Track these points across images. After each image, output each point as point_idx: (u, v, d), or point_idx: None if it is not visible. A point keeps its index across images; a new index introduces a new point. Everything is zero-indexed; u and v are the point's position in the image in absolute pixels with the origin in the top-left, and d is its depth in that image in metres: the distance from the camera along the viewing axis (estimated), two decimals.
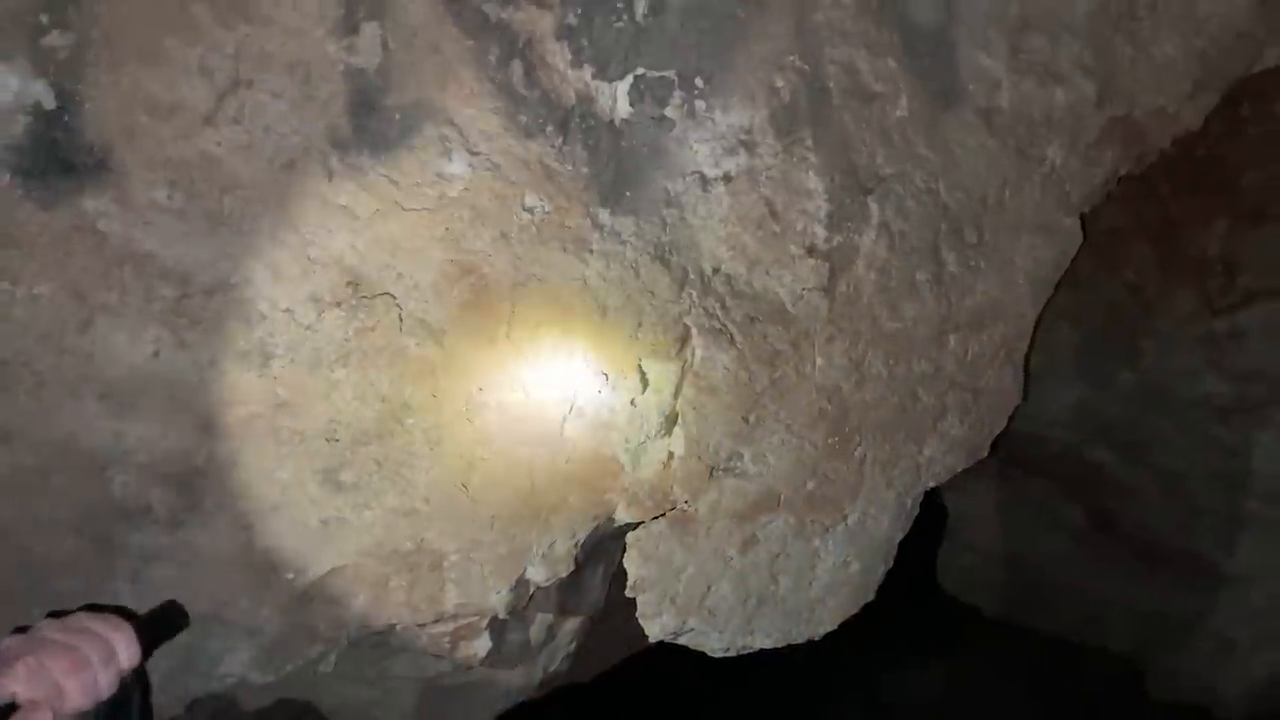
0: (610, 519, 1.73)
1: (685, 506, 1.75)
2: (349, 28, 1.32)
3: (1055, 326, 2.30)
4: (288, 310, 1.40)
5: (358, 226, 1.41)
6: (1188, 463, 3.22)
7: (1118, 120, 1.81)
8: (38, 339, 1.32)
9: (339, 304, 1.44)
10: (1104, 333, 3.04)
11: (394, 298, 1.46)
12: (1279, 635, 3.22)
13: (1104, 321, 3.00)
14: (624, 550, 1.80)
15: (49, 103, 1.22)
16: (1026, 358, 1.95)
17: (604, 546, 1.89)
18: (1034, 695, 3.80)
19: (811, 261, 1.63)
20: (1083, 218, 1.88)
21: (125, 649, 1.04)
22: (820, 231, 1.61)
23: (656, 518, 1.76)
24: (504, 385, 1.56)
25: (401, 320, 1.48)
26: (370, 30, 1.33)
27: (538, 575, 1.69)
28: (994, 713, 3.72)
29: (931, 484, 1.95)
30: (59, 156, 1.25)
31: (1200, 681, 3.42)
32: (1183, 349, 2.89)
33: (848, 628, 2.02)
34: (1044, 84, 1.72)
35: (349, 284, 1.44)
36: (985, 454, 1.99)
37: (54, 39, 1.20)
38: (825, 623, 1.98)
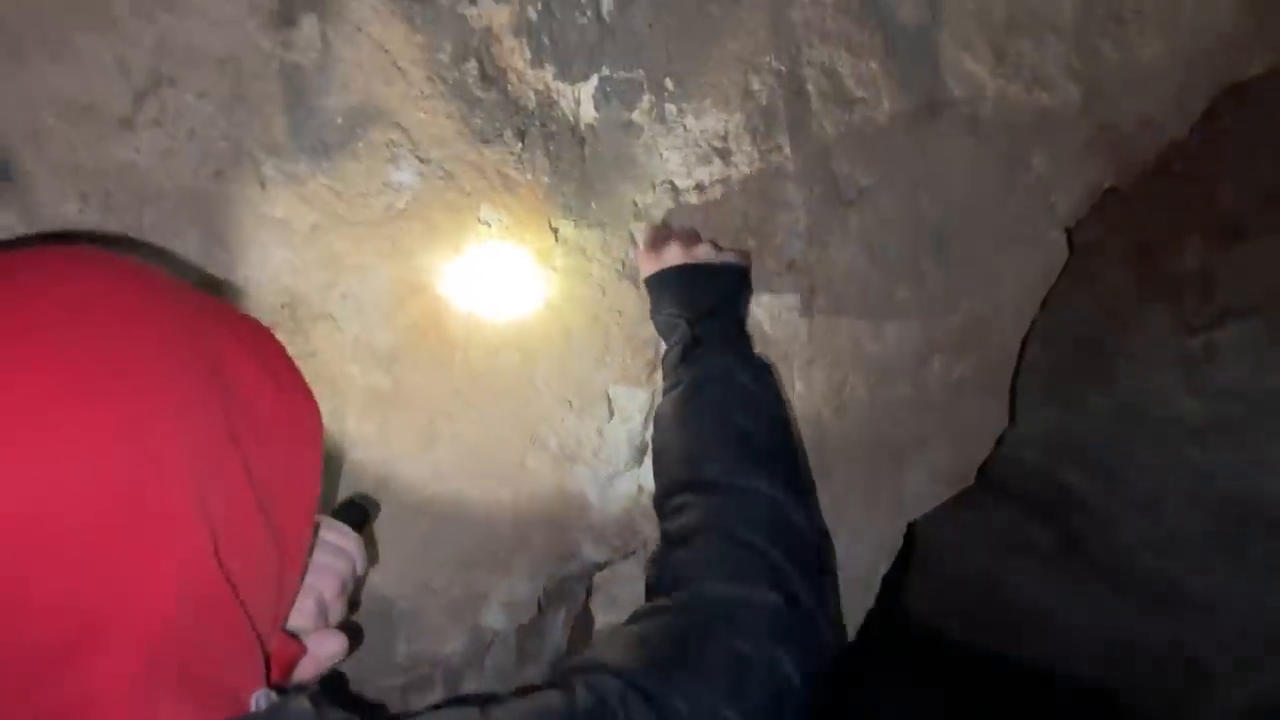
0: (575, 558, 1.60)
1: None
2: (285, 20, 1.18)
3: (1026, 345, 2.22)
4: None
5: (295, 242, 1.27)
6: (1161, 485, 3.15)
7: (1104, 127, 1.73)
8: None
9: (274, 327, 1.29)
10: (1076, 352, 2.96)
11: (336, 321, 1.33)
12: (1257, 662, 3.15)
13: (1076, 340, 2.92)
14: (589, 592, 1.67)
15: None
16: (1012, 380, 1.86)
17: (567, 588, 1.76)
18: None
19: (790, 278, 1.52)
20: (1068, 231, 1.79)
21: (360, 557, 1.02)
22: (799, 246, 1.50)
23: (625, 556, 1.63)
24: (459, 415, 1.43)
25: (345, 346, 1.34)
26: (309, 23, 1.19)
27: (496, 621, 1.55)
28: None
29: (914, 516, 1.84)
30: None
31: (1176, 711, 3.34)
32: (1158, 369, 2.82)
33: None
34: (1030, 89, 1.63)
35: (285, 306, 1.30)
36: (970, 483, 1.88)
37: None
38: None
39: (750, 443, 1.20)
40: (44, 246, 0.82)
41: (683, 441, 1.24)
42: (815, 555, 1.12)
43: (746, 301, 1.43)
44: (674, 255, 1.35)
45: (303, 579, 0.91)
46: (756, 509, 1.11)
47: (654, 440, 1.33)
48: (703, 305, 1.33)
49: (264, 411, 0.84)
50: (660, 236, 1.39)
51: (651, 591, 1.12)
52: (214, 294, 1.23)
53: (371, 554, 1.32)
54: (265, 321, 1.27)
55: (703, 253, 1.35)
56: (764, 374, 1.31)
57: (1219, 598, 3.17)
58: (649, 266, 1.38)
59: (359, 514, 1.21)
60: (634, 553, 1.62)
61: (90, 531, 0.65)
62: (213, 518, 0.73)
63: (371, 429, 1.39)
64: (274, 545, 0.82)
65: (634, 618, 1.04)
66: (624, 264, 1.43)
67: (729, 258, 1.38)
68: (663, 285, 1.35)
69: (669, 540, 1.15)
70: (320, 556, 0.96)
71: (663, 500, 1.23)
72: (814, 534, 1.14)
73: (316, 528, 0.97)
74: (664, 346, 1.44)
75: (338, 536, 1.01)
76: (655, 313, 1.40)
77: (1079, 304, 2.67)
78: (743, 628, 0.98)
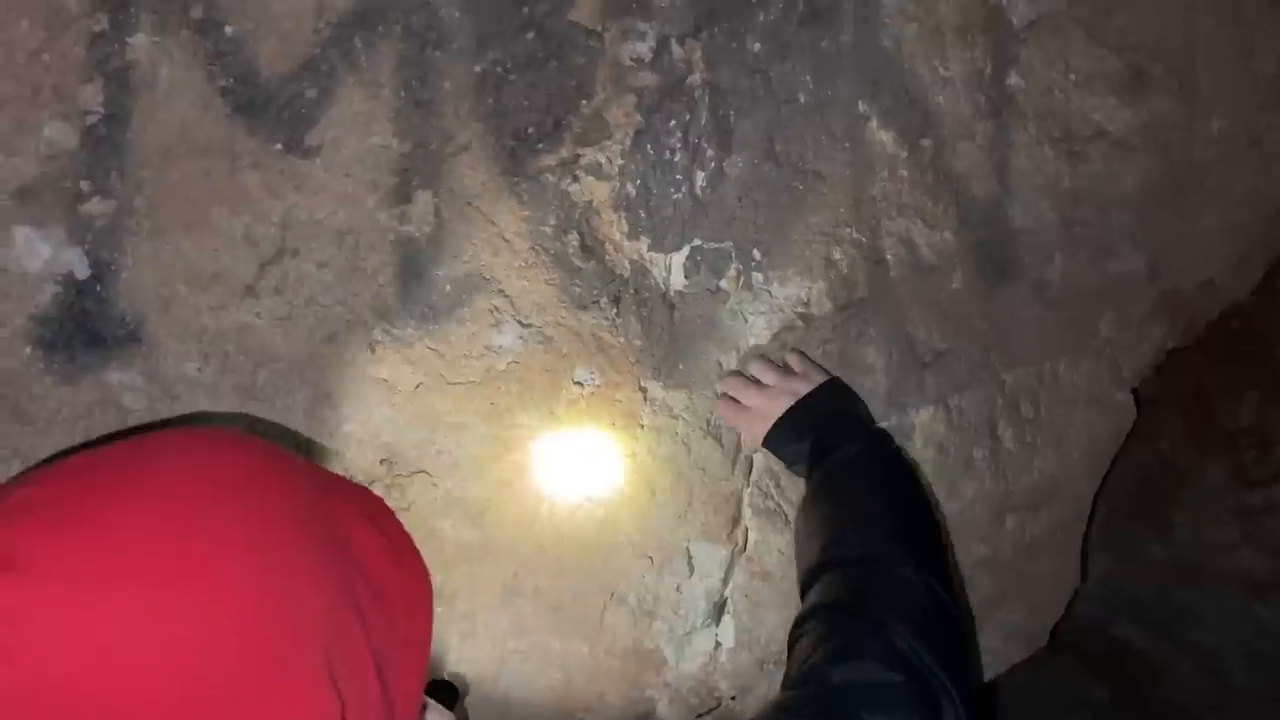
0: (650, 717, 1.59)
1: (732, 703, 1.60)
2: (402, 196, 1.26)
3: (1096, 504, 2.22)
4: None
5: (398, 401, 1.32)
6: (1221, 640, 3.07)
7: (1167, 293, 1.78)
8: None
9: (372, 483, 1.33)
10: (1132, 503, 2.94)
11: (431, 476, 1.36)
12: None
13: (1132, 492, 2.90)
14: None
15: (82, 272, 1.14)
16: (1083, 539, 1.86)
17: None
18: None
19: None
20: (1134, 392, 1.82)
21: None
22: (879, 409, 1.53)
23: (700, 716, 1.61)
24: (542, 570, 1.45)
25: (438, 500, 1.37)
26: (423, 199, 1.27)
27: None
28: None
29: (989, 677, 1.81)
30: (87, 328, 1.16)
31: None
32: (1216, 522, 2.79)
33: None
34: (1095, 257, 1.68)
35: (384, 461, 1.34)
36: (1043, 644, 1.86)
37: (94, 206, 1.13)
38: None
39: (890, 521, 1.21)
40: (184, 429, 0.86)
41: (823, 528, 1.25)
42: (957, 634, 1.11)
43: (860, 402, 1.46)
44: (763, 399, 1.38)
45: None
46: (899, 591, 1.11)
47: (795, 528, 1.35)
48: (825, 421, 1.35)
49: (385, 585, 0.86)
50: (743, 384, 1.42)
51: (791, 651, 1.10)
52: (315, 457, 1.28)
53: None
54: (364, 477, 1.32)
55: (792, 387, 1.38)
56: (898, 456, 1.35)
57: None
58: (758, 428, 1.40)
59: (451, 693, 1.22)
60: (710, 711, 1.60)
61: (232, 701, 0.68)
62: (341, 689, 0.75)
63: (459, 582, 1.41)
64: (388, 716, 0.84)
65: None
66: (709, 423, 1.47)
67: (818, 375, 1.41)
68: (786, 436, 1.37)
69: (814, 617, 1.13)
70: None
71: (804, 584, 1.23)
72: (956, 612, 1.13)
73: (423, 707, 0.98)
74: (746, 503, 1.46)
75: (436, 715, 1.02)
76: (784, 457, 1.41)
77: (1135, 456, 2.67)
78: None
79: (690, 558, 1.51)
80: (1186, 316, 1.83)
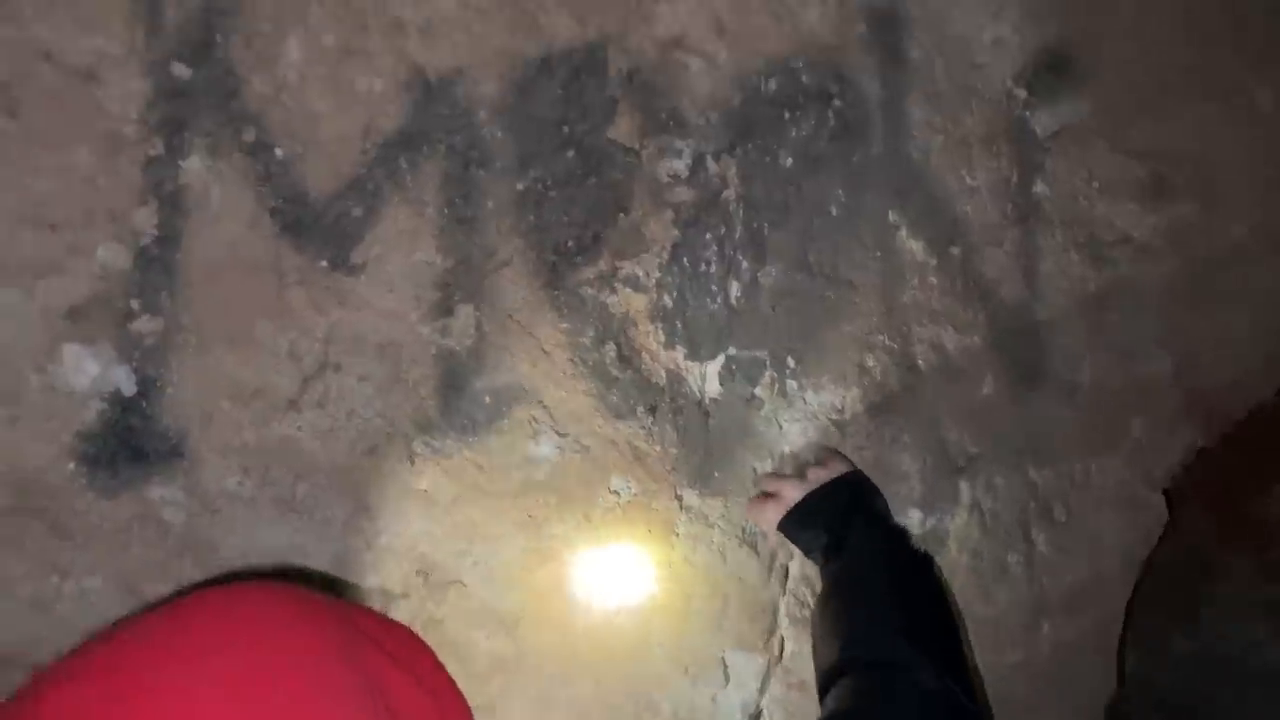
0: None
1: None
2: (444, 310, 1.27)
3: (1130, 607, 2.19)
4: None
5: (436, 513, 1.31)
6: None
7: (1196, 393, 1.78)
8: (83, 636, 1.19)
9: (407, 595, 1.33)
10: (1157, 596, 2.91)
11: (466, 586, 1.35)
12: None
13: (1157, 585, 2.87)
14: None
15: (128, 389, 1.15)
16: (1120, 642, 1.83)
17: None
18: None
19: None
20: (1166, 494, 1.81)
21: None
22: (915, 514, 1.52)
23: None
24: (576, 680, 1.43)
25: (472, 611, 1.36)
26: (465, 312, 1.28)
27: None
28: None
29: None
30: (131, 443, 1.17)
31: None
32: (1243, 616, 2.74)
33: None
34: (1123, 360, 1.69)
35: (419, 573, 1.33)
36: None
37: (143, 324, 1.14)
38: None
39: (906, 620, 1.19)
40: (224, 588, 0.87)
41: (838, 626, 1.22)
42: None
43: (879, 496, 1.43)
44: (795, 491, 1.37)
45: None
46: (916, 699, 1.08)
47: (812, 632, 1.31)
48: (840, 512, 1.33)
49: None
50: (769, 479, 1.42)
51: None
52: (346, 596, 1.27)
53: None
54: (400, 589, 1.32)
55: (815, 476, 1.38)
56: (916, 556, 1.32)
57: None
58: (773, 514, 1.39)
59: None
60: None
61: None
62: None
63: (492, 693, 1.39)
64: None
65: None
66: (744, 530, 1.46)
67: (840, 467, 1.39)
68: (799, 522, 1.36)
69: None
70: None
71: (822, 688, 1.20)
72: (974, 709, 1.10)
73: None
74: (782, 611, 1.45)
75: None
76: (799, 544, 1.40)
77: (1162, 549, 2.65)
78: None
79: (726, 667, 1.50)
80: (1215, 415, 1.83)
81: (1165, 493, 1.81)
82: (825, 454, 1.44)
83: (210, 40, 1.13)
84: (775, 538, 1.43)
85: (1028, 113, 1.58)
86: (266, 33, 1.15)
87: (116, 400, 1.15)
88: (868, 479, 1.42)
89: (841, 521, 1.32)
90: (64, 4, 1.08)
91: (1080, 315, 1.64)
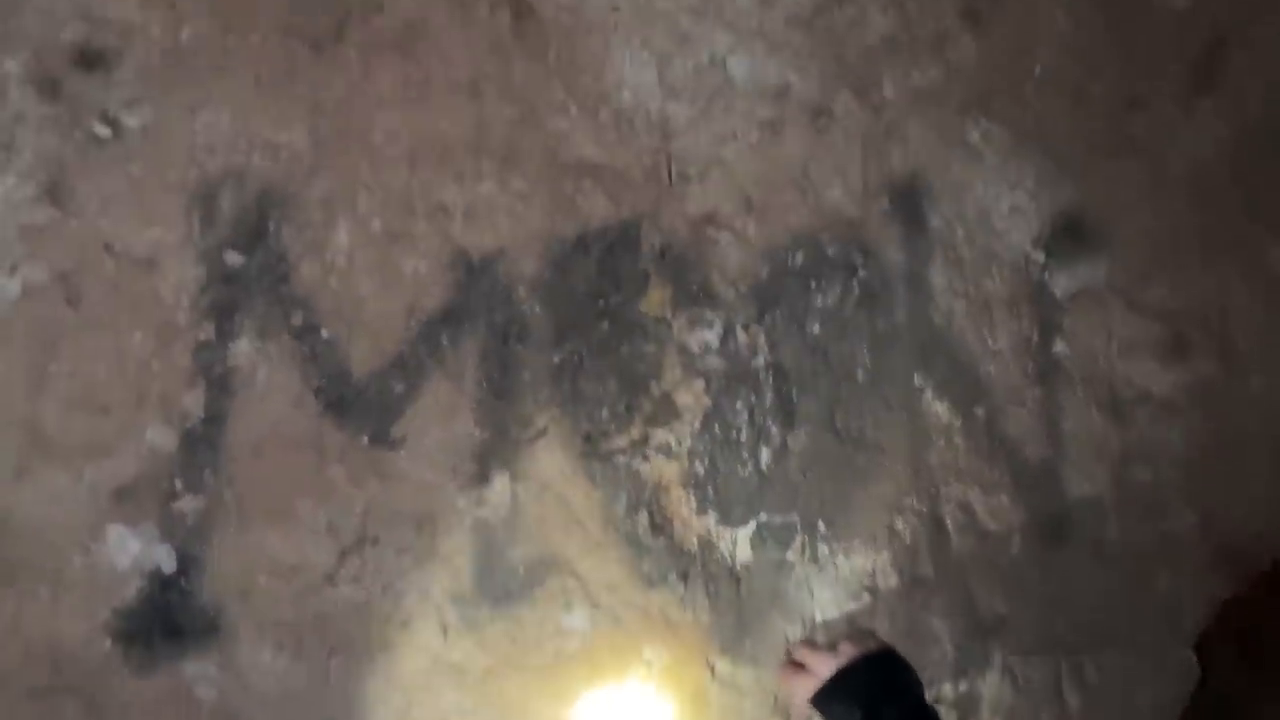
0: None
1: None
2: (480, 480, 1.29)
3: None
4: None
5: (467, 685, 1.31)
6: None
7: (1222, 546, 1.77)
8: None
9: None
10: None
11: None
12: None
13: None
14: None
15: (169, 567, 1.16)
16: None
17: None
18: None
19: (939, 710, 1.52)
20: (1196, 649, 1.79)
21: None
22: (947, 678, 1.51)
23: None
24: None
25: None
26: (501, 482, 1.30)
27: None
28: None
29: None
30: (168, 620, 1.17)
31: None
32: None
33: None
34: (1149, 516, 1.69)
35: None
36: None
37: (185, 503, 1.16)
38: None
39: None
40: None
41: None
42: None
43: (911, 672, 1.40)
44: (827, 666, 1.35)
45: None
46: None
47: None
48: (874, 690, 1.31)
49: None
50: (801, 649, 1.41)
51: None
52: None
53: None
54: None
55: (847, 650, 1.35)
56: None
57: None
58: (804, 687, 1.37)
59: None
60: None
61: None
62: None
63: None
64: None
65: None
66: (776, 699, 1.44)
67: (872, 643, 1.37)
68: (831, 697, 1.34)
69: None
70: None
71: None
72: None
73: None
74: None
75: None
76: (830, 719, 1.37)
77: (1194, 703, 2.60)
78: None
79: None
80: (1242, 567, 1.82)
81: (1196, 649, 1.79)
82: (858, 631, 1.43)
83: (263, 229, 1.17)
84: (806, 710, 1.41)
85: (1047, 275, 1.61)
86: (317, 220, 1.20)
87: (156, 578, 1.16)
88: (900, 655, 1.40)
89: (875, 699, 1.31)
90: (126, 197, 1.12)
91: (1104, 472, 1.65)
